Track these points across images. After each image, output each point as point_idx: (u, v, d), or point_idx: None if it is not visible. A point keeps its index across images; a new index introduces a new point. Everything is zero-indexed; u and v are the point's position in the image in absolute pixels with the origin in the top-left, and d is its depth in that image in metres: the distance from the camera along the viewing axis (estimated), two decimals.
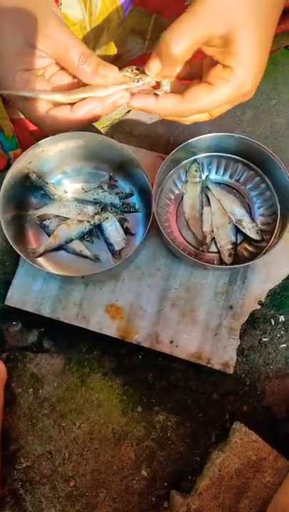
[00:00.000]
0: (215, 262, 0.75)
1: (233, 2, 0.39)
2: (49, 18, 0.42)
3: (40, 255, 0.74)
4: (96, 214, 0.73)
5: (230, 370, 0.72)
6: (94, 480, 0.70)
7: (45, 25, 0.42)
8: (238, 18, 0.39)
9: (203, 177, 0.78)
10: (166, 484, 0.70)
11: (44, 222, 0.74)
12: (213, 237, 0.75)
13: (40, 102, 0.45)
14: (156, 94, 0.44)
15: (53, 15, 0.43)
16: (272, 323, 0.76)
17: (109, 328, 0.73)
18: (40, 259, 0.74)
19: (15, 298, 0.74)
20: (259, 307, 0.75)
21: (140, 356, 0.75)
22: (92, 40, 0.58)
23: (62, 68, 0.47)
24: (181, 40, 0.38)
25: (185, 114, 0.43)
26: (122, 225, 0.74)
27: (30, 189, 0.75)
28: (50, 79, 0.46)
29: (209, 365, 0.72)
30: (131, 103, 0.45)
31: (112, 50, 0.63)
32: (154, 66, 0.42)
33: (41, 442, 0.71)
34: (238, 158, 0.75)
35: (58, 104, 0.46)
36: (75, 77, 0.47)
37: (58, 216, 0.74)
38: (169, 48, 0.39)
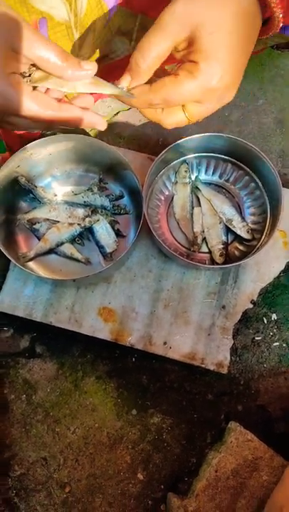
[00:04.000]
0: (206, 262, 0.75)
1: (194, 8, 0.42)
2: (26, 24, 0.43)
3: (31, 259, 0.73)
4: (86, 217, 0.73)
5: (225, 370, 0.72)
6: (90, 485, 0.69)
7: (26, 29, 0.43)
8: (200, 19, 0.42)
9: (193, 177, 0.78)
10: (162, 487, 0.69)
11: (34, 226, 0.74)
12: (204, 237, 0.75)
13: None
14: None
15: (25, 23, 0.44)
16: (265, 322, 0.76)
17: (102, 331, 0.72)
18: (31, 263, 0.73)
19: (6, 303, 0.73)
20: (251, 306, 0.75)
21: (134, 359, 0.75)
22: (78, 40, 0.58)
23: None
24: (147, 58, 0.44)
25: (154, 102, 0.46)
26: (112, 227, 0.74)
27: (20, 193, 0.74)
28: None
29: (203, 366, 0.72)
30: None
31: (96, 54, 0.64)
32: (124, 80, 0.47)
33: (35, 449, 0.70)
34: (227, 158, 0.75)
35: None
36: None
37: (48, 220, 0.74)
38: (137, 66, 0.44)
